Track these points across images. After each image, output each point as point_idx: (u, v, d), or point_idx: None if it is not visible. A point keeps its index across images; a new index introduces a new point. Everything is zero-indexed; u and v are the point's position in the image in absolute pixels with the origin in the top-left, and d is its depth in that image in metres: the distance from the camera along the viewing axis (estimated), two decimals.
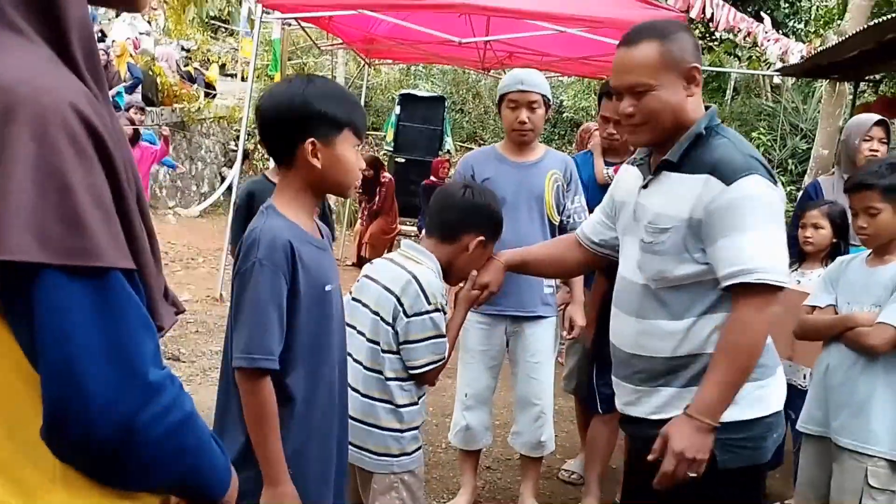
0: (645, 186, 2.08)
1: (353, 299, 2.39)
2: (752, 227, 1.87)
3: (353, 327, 2.32)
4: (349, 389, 2.28)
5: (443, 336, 2.31)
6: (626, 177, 2.24)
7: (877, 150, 3.74)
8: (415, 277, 2.28)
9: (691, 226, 1.93)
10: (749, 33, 7.25)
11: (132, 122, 8.22)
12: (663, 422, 2.00)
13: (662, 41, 1.95)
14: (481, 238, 2.37)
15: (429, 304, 2.27)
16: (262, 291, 1.75)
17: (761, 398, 2.00)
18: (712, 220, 1.90)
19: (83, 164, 0.92)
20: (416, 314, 2.27)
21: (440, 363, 2.32)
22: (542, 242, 2.89)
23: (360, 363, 2.32)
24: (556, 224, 3.43)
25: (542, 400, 3.46)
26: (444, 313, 2.34)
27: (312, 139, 1.78)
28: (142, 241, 1.02)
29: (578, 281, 3.50)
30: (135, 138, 7.78)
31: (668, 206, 1.98)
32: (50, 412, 0.93)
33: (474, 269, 2.45)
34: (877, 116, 3.88)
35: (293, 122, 1.79)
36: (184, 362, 5.40)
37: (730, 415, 1.93)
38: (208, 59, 15.82)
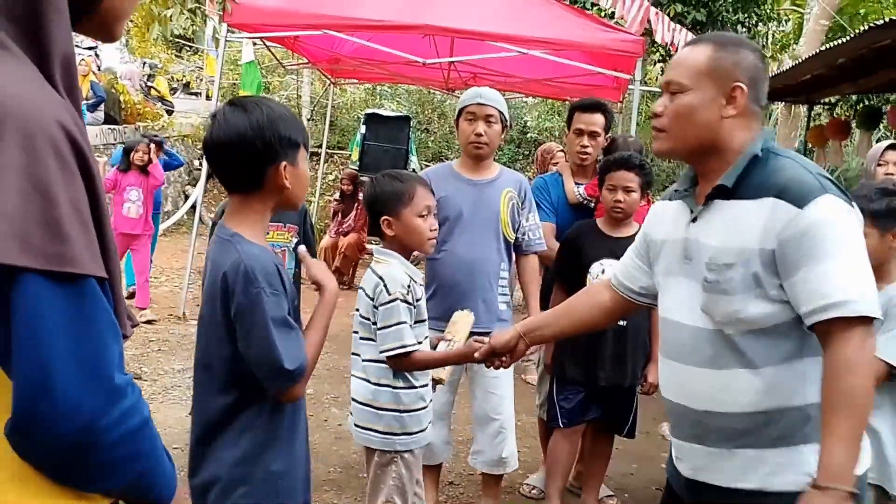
0: (694, 220, 1.87)
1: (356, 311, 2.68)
2: (835, 255, 1.63)
3: (356, 332, 2.66)
4: (358, 380, 2.65)
5: (403, 324, 2.51)
6: (664, 213, 2.04)
7: (892, 173, 3.87)
8: (381, 277, 2.54)
9: (763, 258, 1.70)
10: None
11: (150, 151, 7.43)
12: (744, 492, 1.79)
13: (718, 48, 1.81)
14: (387, 218, 2.60)
15: (389, 294, 2.51)
16: (278, 312, 1.78)
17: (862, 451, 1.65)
18: (788, 250, 1.67)
19: (66, 177, 0.98)
20: (381, 304, 2.52)
21: (403, 351, 2.50)
22: (563, 303, 2.46)
23: (371, 360, 2.60)
24: (511, 241, 3.51)
25: (501, 414, 3.48)
26: (416, 300, 2.59)
27: (285, 163, 1.83)
28: (113, 252, 1.07)
29: (534, 295, 3.57)
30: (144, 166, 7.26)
31: (731, 238, 1.76)
32: (19, 410, 0.97)
33: (418, 232, 2.62)
34: (888, 142, 3.98)
35: (265, 149, 1.80)
36: (146, 381, 5.35)
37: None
38: (153, 73, 15.55)
